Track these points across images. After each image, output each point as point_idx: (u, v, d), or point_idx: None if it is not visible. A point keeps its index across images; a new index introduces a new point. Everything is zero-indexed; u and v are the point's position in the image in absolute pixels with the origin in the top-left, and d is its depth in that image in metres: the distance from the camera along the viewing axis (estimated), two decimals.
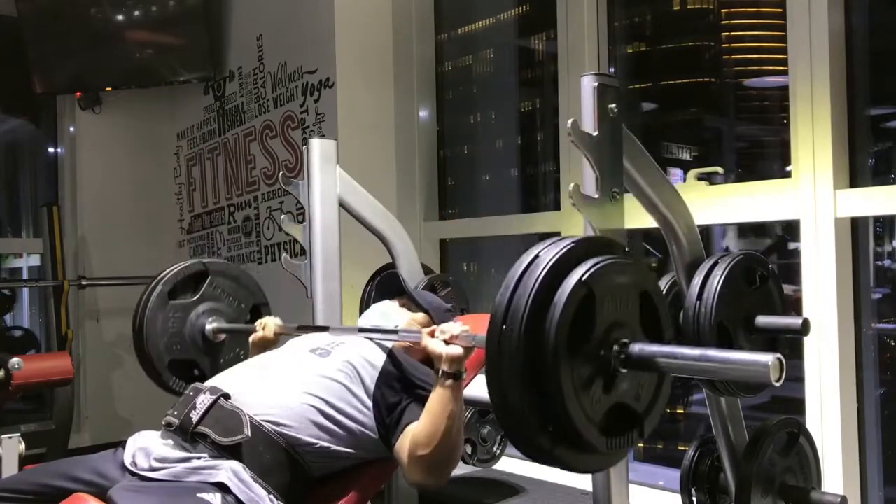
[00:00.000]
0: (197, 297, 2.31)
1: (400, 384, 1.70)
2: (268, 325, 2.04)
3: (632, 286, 1.11)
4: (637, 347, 1.06)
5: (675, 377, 1.18)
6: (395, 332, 1.75)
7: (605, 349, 1.06)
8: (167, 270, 2.32)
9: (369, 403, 1.67)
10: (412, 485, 1.57)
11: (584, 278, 1.03)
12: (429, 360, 1.61)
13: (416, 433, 1.55)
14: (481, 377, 2.14)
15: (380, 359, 1.76)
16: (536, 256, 1.06)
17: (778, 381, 0.94)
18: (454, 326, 1.53)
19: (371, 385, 1.69)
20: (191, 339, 2.27)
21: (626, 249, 1.17)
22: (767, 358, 0.93)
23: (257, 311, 2.37)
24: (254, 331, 2.06)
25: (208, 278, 2.33)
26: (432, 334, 1.53)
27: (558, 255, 1.05)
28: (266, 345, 2.03)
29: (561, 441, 1.04)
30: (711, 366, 1.03)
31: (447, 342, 1.51)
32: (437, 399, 1.52)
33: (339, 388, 1.66)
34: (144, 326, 2.22)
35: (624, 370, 1.07)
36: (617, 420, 1.08)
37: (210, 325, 2.28)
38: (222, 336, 2.30)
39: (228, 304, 2.35)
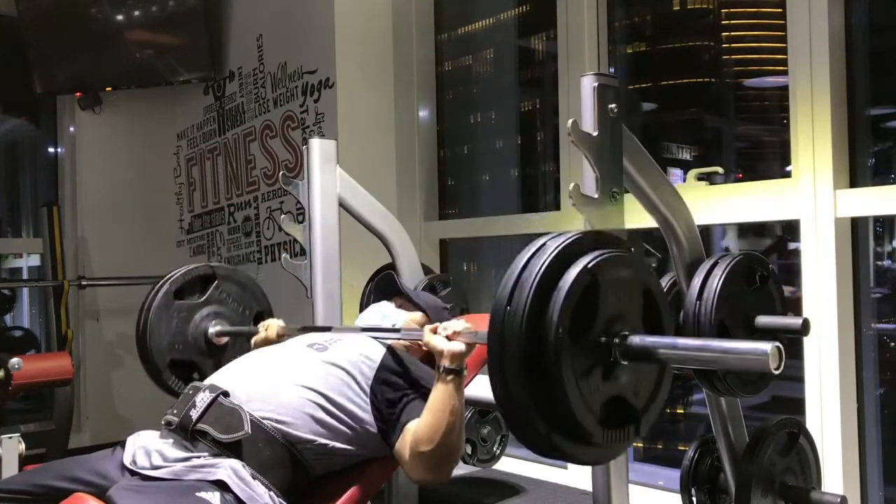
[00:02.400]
0: (203, 299, 2.31)
1: (400, 380, 1.70)
2: (271, 326, 2.05)
3: (636, 283, 1.12)
4: (637, 338, 1.07)
5: (674, 374, 1.19)
6: (397, 330, 1.75)
7: (607, 338, 1.06)
8: (175, 271, 2.33)
9: (367, 398, 1.67)
10: (415, 482, 1.57)
11: (589, 266, 1.04)
12: (428, 357, 1.61)
13: (417, 430, 1.55)
14: (482, 377, 2.14)
15: (378, 353, 1.76)
16: (543, 244, 1.08)
17: (777, 368, 0.94)
18: (456, 323, 1.54)
19: (370, 379, 1.69)
20: (193, 341, 2.27)
21: (632, 248, 1.18)
22: (766, 346, 0.94)
23: (261, 319, 2.35)
24: (256, 333, 2.07)
25: (215, 282, 2.33)
26: (434, 331, 1.54)
27: (565, 243, 1.07)
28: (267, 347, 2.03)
29: (558, 428, 1.04)
30: (711, 355, 1.04)
31: (449, 338, 1.52)
32: (439, 395, 1.52)
33: (336, 382, 1.66)
34: (149, 324, 2.23)
35: (624, 362, 1.07)
36: (615, 413, 1.09)
37: (213, 328, 2.28)
38: (224, 339, 2.30)
39: (233, 309, 2.35)
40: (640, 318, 1.11)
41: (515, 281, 1.05)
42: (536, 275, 1.03)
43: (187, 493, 1.42)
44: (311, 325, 2.08)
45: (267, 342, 2.03)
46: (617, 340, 1.06)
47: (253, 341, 2.07)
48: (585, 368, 1.04)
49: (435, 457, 1.53)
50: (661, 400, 1.16)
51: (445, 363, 1.51)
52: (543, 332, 1.01)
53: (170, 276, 2.31)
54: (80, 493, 1.47)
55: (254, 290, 2.42)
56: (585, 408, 1.04)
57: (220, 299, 2.33)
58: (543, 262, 1.04)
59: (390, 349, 1.79)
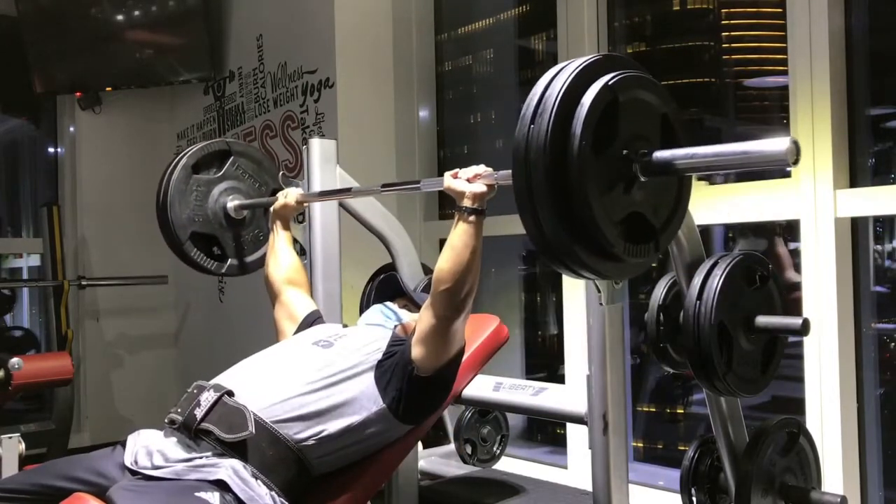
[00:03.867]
0: (220, 174, 2.38)
1: (401, 344, 1.73)
2: (290, 193, 2.10)
3: (654, 105, 1.14)
4: (657, 153, 1.09)
5: (674, 374, 1.19)
6: (417, 182, 1.77)
7: (628, 152, 1.09)
8: (192, 147, 2.39)
9: (374, 385, 1.67)
10: (435, 323, 1.60)
11: (610, 83, 1.07)
12: None
13: (438, 270, 1.57)
14: (482, 376, 2.15)
15: (384, 341, 1.78)
16: (564, 66, 1.10)
17: (795, 162, 0.96)
18: (476, 168, 1.56)
19: (375, 366, 1.70)
20: (213, 215, 2.35)
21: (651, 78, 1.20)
22: (784, 142, 0.95)
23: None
24: (274, 203, 2.12)
25: (231, 157, 2.39)
26: (455, 176, 1.57)
27: (586, 64, 1.09)
28: (287, 213, 2.10)
29: (581, 240, 1.06)
30: (729, 158, 1.06)
31: (470, 181, 1.54)
32: (459, 234, 1.54)
33: (342, 378, 1.66)
34: (169, 196, 2.28)
35: (644, 178, 1.09)
36: (635, 229, 1.11)
37: (232, 203, 2.35)
38: (244, 213, 2.38)
39: (250, 185, 2.43)
40: (658, 140, 1.13)
41: (539, 100, 1.06)
42: (559, 92, 1.05)
43: (187, 493, 1.42)
44: (331, 190, 2.16)
45: (286, 209, 2.09)
46: (638, 155, 1.09)
47: (272, 209, 2.12)
48: (607, 182, 1.07)
49: (455, 293, 1.55)
50: (679, 219, 1.20)
51: (467, 203, 1.53)
52: (567, 147, 1.03)
53: (186, 151, 2.36)
54: (80, 493, 1.47)
55: (269, 168, 2.49)
56: (608, 219, 1.06)
57: (236, 175, 2.41)
58: (565, 81, 1.06)
59: (394, 335, 1.81)
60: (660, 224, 1.14)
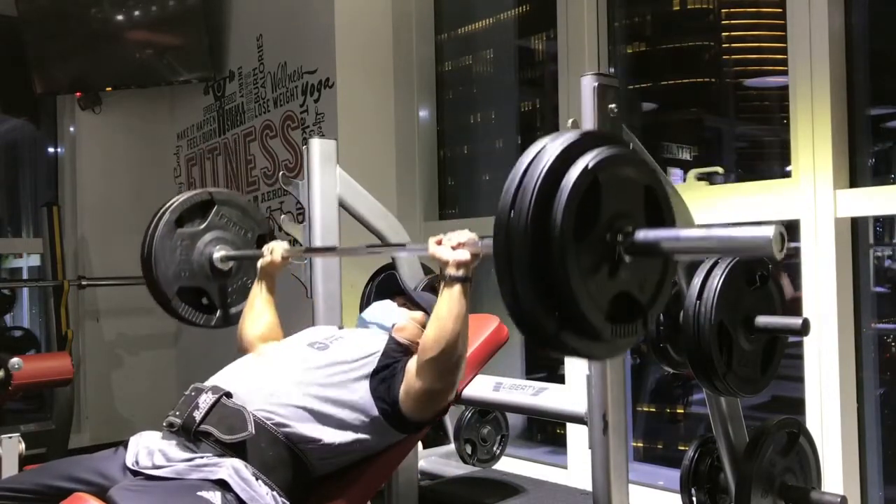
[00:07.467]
0: (204, 225, 2.34)
1: (398, 353, 1.73)
2: (275, 248, 2.05)
3: (636, 179, 1.12)
4: (641, 233, 1.07)
5: (674, 374, 1.19)
6: (403, 245, 1.76)
7: (611, 235, 1.07)
8: (173, 199, 2.35)
9: (370, 390, 1.67)
10: (422, 395, 1.59)
11: (590, 166, 1.05)
12: None
13: (423, 339, 1.56)
14: (482, 376, 2.15)
15: (380, 344, 1.78)
16: (543, 147, 1.08)
17: (780, 251, 0.94)
18: (460, 234, 1.54)
19: (371, 371, 1.70)
20: (199, 267, 2.32)
21: (631, 146, 1.18)
22: (769, 230, 0.94)
23: (263, 241, 2.37)
24: (261, 256, 2.08)
25: (214, 207, 2.36)
26: (439, 243, 1.55)
27: (566, 145, 1.07)
28: (273, 270, 2.05)
29: (567, 327, 1.05)
30: (714, 243, 1.04)
31: (454, 248, 1.52)
32: (444, 301, 1.53)
33: (339, 380, 1.66)
34: (153, 254, 2.25)
35: (628, 258, 1.08)
36: (622, 309, 1.09)
37: (218, 253, 2.32)
38: (230, 263, 2.34)
39: (235, 233, 2.40)
40: (642, 215, 1.12)
41: (517, 186, 1.05)
42: (538, 178, 1.03)
43: (188, 492, 1.42)
44: (316, 247, 2.15)
45: (272, 266, 2.04)
46: (620, 237, 1.07)
47: (259, 265, 2.08)
48: (591, 267, 1.05)
49: (441, 363, 1.54)
50: (666, 293, 1.17)
51: (451, 271, 1.52)
52: (548, 235, 1.02)
53: (168, 205, 2.32)
54: (81, 493, 1.47)
55: (254, 214, 2.47)
56: (593, 305, 1.04)
57: (220, 224, 2.37)
58: (544, 166, 1.04)
59: (391, 338, 1.80)
60: (646, 300, 1.12)
